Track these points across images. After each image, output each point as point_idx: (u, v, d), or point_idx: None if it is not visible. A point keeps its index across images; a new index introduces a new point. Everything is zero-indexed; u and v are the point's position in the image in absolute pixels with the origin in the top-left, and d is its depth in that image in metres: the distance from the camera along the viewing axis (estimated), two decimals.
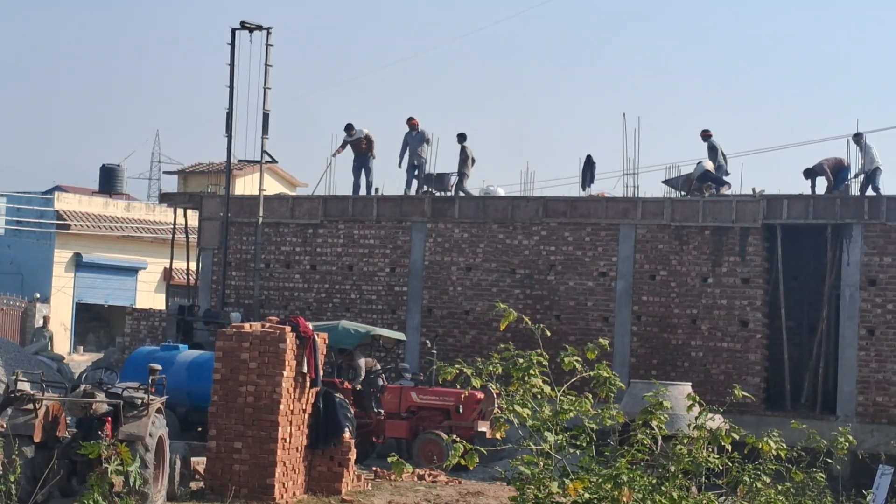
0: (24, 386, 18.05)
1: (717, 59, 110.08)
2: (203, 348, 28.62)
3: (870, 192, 29.50)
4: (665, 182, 32.11)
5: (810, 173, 30.11)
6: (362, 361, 27.22)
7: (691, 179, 31.07)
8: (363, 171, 33.61)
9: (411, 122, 33.40)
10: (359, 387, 27.06)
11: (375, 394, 27.18)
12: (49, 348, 35.86)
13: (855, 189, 30.02)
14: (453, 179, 33.29)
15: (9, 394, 18.03)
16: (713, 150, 31.26)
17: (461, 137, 33.12)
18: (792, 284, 30.09)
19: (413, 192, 33.16)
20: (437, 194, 33.10)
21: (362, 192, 33.58)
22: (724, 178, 31.14)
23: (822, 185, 30.12)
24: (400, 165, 33.48)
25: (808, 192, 29.87)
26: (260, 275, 32.98)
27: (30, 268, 46.12)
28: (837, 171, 30.12)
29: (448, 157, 34.19)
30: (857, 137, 29.94)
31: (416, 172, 33.30)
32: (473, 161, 33.28)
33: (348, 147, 33.84)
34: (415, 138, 33.24)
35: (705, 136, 31.48)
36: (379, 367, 27.82)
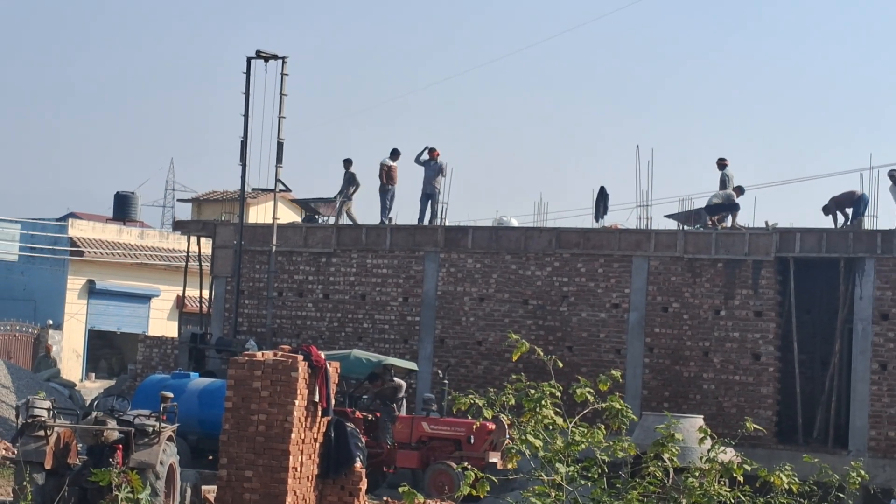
0: (42, 412, 18.06)
1: (731, 92, 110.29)
2: (215, 376, 28.63)
3: None
4: (669, 216, 32.15)
5: (827, 210, 30.32)
6: (396, 380, 27.48)
7: (703, 214, 31.09)
8: (389, 201, 33.78)
9: (433, 153, 33.45)
10: (375, 415, 27.05)
11: (387, 423, 27.18)
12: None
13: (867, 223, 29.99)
14: (338, 201, 34.16)
15: (24, 420, 18.06)
16: (724, 181, 31.21)
17: (348, 163, 34.31)
18: (804, 318, 30.04)
19: (426, 222, 33.26)
20: (326, 218, 34.02)
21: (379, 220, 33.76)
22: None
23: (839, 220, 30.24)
24: None
25: (823, 225, 29.98)
26: (273, 303, 33.02)
27: (43, 294, 46.17)
28: (850, 203, 30.12)
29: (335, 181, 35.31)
30: (894, 175, 29.77)
31: (430, 202, 33.42)
32: (358, 186, 34.31)
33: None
34: (432, 168, 33.33)
35: (721, 164, 31.43)
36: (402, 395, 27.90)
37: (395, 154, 33.91)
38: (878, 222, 29.95)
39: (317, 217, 34.93)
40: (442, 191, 33.55)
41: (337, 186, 34.68)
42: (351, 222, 33.86)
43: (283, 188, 33.91)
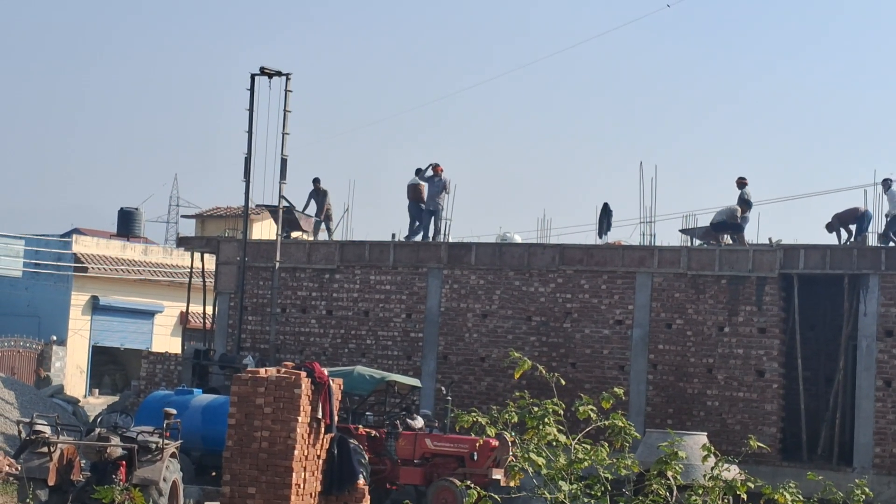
0: (44, 429, 18.08)
1: (735, 109, 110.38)
2: (219, 392, 28.62)
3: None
4: (683, 231, 32.03)
5: (830, 228, 30.35)
6: (418, 422, 27.61)
7: (708, 230, 31.06)
8: (415, 219, 33.57)
9: (436, 168, 33.42)
10: (379, 432, 27.03)
11: (391, 440, 27.17)
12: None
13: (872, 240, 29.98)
14: (314, 221, 34.53)
15: (26, 437, 18.07)
16: (743, 201, 31.06)
17: (317, 182, 34.71)
18: (808, 334, 30.01)
19: (430, 238, 33.20)
20: (303, 233, 34.37)
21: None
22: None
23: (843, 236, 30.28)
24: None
25: (827, 242, 30.04)
26: (276, 319, 33.00)
27: (47, 310, 46.17)
28: (854, 219, 30.12)
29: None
30: (886, 183, 29.86)
31: (433, 219, 33.34)
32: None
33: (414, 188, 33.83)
34: (435, 185, 33.28)
35: (741, 184, 31.13)
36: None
37: (420, 172, 33.62)
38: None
39: (298, 232, 35.02)
40: (445, 207, 33.51)
41: (338, 202, 34.75)
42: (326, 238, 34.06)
43: (287, 204, 33.91)
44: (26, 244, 47.40)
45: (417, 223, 33.50)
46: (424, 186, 33.46)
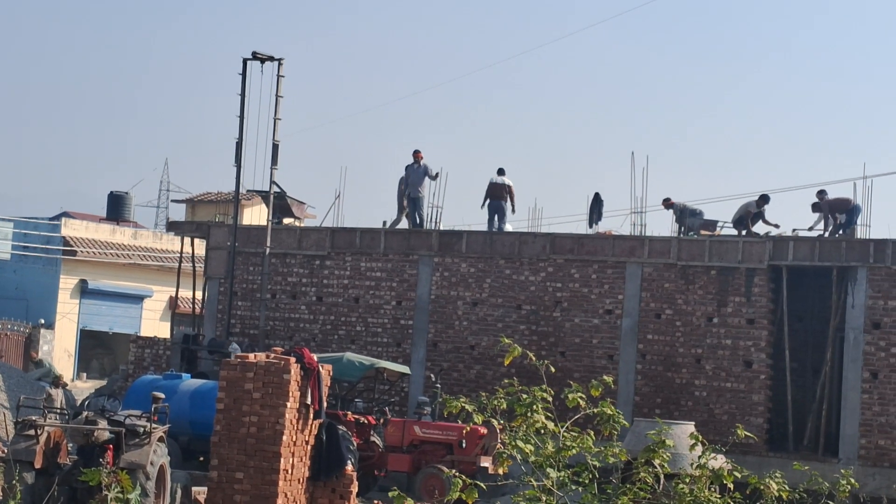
0: (30, 413, 18.09)
1: (726, 99, 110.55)
2: (207, 377, 28.60)
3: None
4: (678, 219, 31.93)
5: (816, 207, 30.43)
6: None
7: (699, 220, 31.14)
8: (496, 215, 32.92)
9: (416, 154, 33.27)
10: (367, 419, 27.06)
11: (379, 427, 27.21)
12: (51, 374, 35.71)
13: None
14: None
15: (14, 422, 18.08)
16: (681, 215, 31.31)
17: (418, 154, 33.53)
18: (797, 326, 30.08)
19: (415, 226, 33.02)
20: (295, 220, 34.58)
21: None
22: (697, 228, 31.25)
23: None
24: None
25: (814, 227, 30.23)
26: (266, 305, 32.99)
27: (35, 293, 46.06)
28: (843, 210, 30.18)
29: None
30: (761, 206, 30.54)
31: (414, 207, 32.98)
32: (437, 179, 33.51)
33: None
34: (416, 171, 33.06)
35: (667, 205, 31.66)
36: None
37: (501, 172, 33.11)
38: (870, 231, 30.06)
39: (290, 218, 34.92)
40: (434, 194, 33.34)
41: (329, 189, 34.63)
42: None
43: (278, 190, 33.87)
44: (15, 227, 47.25)
45: (495, 220, 32.87)
46: (511, 186, 32.88)
